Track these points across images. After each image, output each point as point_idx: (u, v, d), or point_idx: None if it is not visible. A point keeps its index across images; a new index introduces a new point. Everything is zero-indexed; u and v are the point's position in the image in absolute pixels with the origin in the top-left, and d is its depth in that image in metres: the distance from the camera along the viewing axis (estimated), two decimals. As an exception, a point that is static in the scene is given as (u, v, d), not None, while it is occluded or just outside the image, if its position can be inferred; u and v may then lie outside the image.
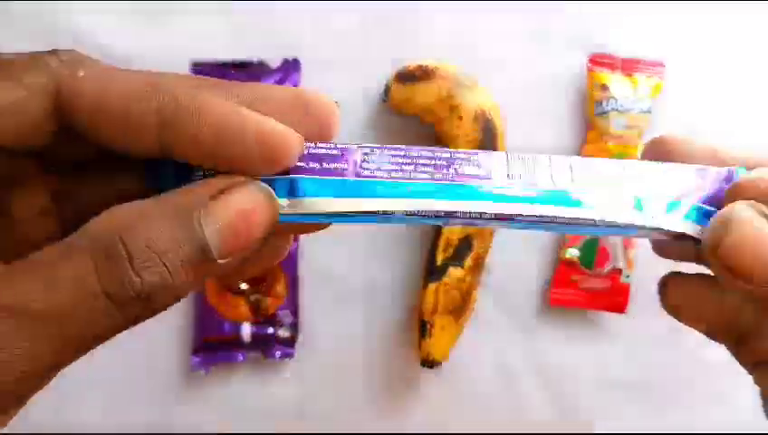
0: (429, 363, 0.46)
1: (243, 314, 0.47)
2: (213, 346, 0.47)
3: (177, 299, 0.16)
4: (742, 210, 0.18)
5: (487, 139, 0.45)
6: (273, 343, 0.47)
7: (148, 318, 0.17)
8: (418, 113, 0.46)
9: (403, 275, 0.49)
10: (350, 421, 0.49)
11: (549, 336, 0.50)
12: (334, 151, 0.20)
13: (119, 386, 0.48)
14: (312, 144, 0.20)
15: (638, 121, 0.47)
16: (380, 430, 0.49)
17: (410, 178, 0.20)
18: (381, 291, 0.49)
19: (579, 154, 0.49)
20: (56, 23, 0.46)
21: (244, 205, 0.17)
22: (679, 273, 0.22)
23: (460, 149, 0.21)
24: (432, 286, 0.45)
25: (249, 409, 0.48)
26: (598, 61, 0.48)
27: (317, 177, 0.19)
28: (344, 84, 0.48)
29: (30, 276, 0.15)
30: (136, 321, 0.16)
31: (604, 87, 0.47)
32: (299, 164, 0.19)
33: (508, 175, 0.20)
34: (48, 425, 0.47)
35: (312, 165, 0.19)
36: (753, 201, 0.18)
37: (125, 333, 0.52)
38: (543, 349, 0.50)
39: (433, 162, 0.20)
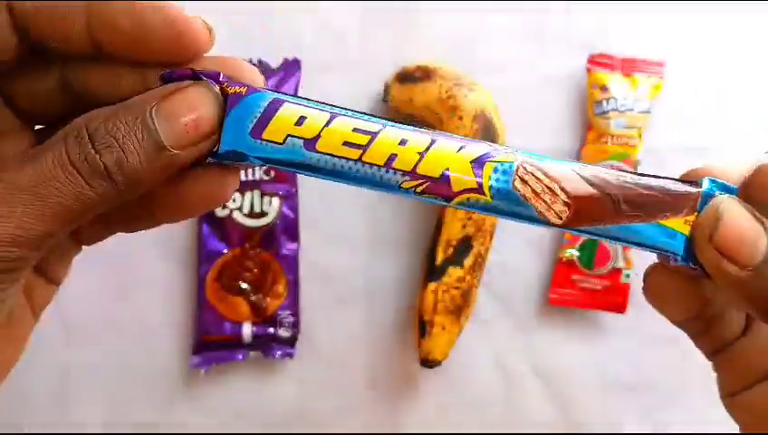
0: (429, 363, 0.46)
1: (243, 314, 0.47)
2: (213, 346, 0.47)
3: (140, 183, 0.19)
4: (729, 201, 0.21)
5: (487, 139, 0.45)
6: (274, 342, 0.48)
7: (117, 198, 0.19)
8: (418, 113, 0.46)
9: (403, 275, 0.49)
10: (349, 421, 0.49)
11: (549, 336, 0.50)
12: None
13: (119, 386, 0.48)
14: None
15: (637, 121, 0.47)
16: (380, 429, 0.49)
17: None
18: (381, 291, 0.49)
19: (579, 154, 0.49)
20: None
21: (190, 99, 0.20)
22: (661, 266, 0.24)
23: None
24: (432, 286, 0.45)
25: (249, 409, 0.48)
26: (597, 61, 0.48)
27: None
28: (344, 84, 0.48)
29: (22, 160, 0.19)
30: (106, 197, 0.19)
31: (604, 87, 0.47)
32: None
33: None
34: (48, 425, 0.47)
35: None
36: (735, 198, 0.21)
37: (125, 332, 0.52)
38: (543, 349, 0.50)
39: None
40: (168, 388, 0.48)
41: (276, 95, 0.21)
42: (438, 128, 0.46)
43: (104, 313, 0.47)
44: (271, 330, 0.47)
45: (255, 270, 0.47)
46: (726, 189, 0.21)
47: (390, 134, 0.20)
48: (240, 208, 0.47)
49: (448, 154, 0.20)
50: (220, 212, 0.47)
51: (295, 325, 0.48)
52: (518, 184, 0.20)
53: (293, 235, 0.48)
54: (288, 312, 0.48)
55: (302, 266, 0.48)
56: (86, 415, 0.47)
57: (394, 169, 0.20)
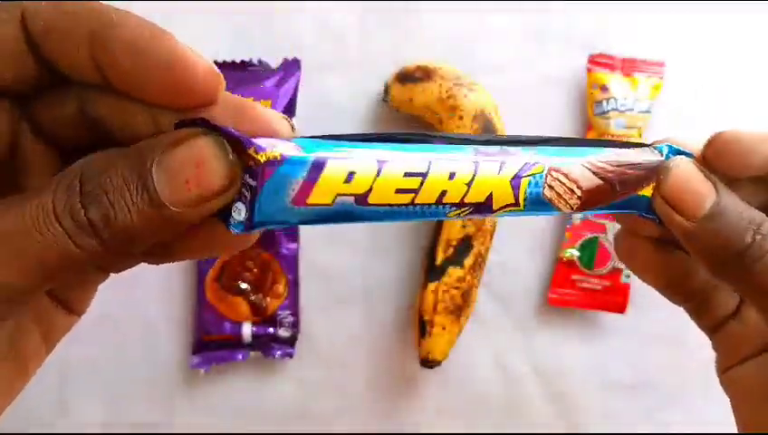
0: (429, 363, 0.46)
1: (243, 314, 0.47)
2: (213, 346, 0.47)
3: (133, 240, 0.17)
4: (681, 159, 0.23)
5: (487, 139, 0.45)
6: (273, 342, 0.48)
7: (106, 254, 0.17)
8: (418, 113, 0.46)
9: (403, 275, 0.49)
10: (349, 421, 0.49)
11: (548, 336, 0.50)
12: None
13: (119, 386, 0.48)
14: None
15: (637, 121, 0.47)
16: (380, 429, 0.49)
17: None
18: (381, 291, 0.49)
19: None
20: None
21: (195, 153, 0.17)
22: (626, 231, 0.26)
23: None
24: (432, 286, 0.45)
25: (249, 409, 0.48)
26: (597, 61, 0.48)
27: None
28: (344, 84, 0.48)
29: (8, 205, 0.17)
30: (92, 253, 0.17)
31: (604, 87, 0.47)
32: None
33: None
34: (48, 425, 0.47)
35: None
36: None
37: (125, 332, 0.52)
38: (543, 349, 0.50)
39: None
40: (167, 388, 0.48)
41: (317, 154, 0.18)
42: (438, 128, 0.46)
43: (104, 312, 0.47)
44: (271, 330, 0.47)
45: (255, 270, 0.47)
46: (682, 154, 0.23)
47: (440, 170, 0.20)
48: (240, 208, 0.47)
49: (491, 178, 0.20)
50: (220, 212, 0.47)
51: (295, 325, 0.48)
52: (547, 192, 0.21)
53: (293, 234, 0.48)
54: (288, 312, 0.48)
55: (302, 266, 0.48)
56: (86, 415, 0.47)
57: (443, 203, 0.20)
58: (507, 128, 0.46)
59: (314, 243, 0.48)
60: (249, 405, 0.48)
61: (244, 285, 0.47)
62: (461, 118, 0.45)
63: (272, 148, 0.18)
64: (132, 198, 0.17)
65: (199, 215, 0.18)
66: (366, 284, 0.49)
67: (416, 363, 0.47)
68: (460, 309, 0.46)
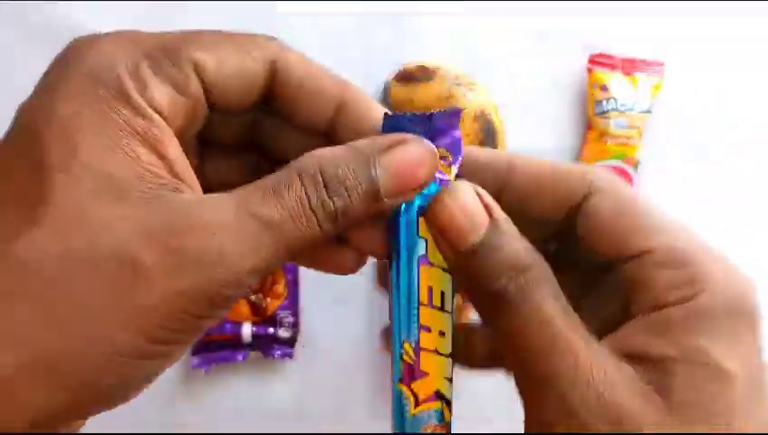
0: (429, 363, 0.46)
1: (243, 314, 0.47)
2: (213, 346, 0.47)
3: (353, 224, 0.21)
4: (461, 183, 0.22)
5: (487, 139, 0.45)
6: (273, 343, 0.48)
7: (329, 238, 0.20)
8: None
9: (403, 275, 0.49)
10: (349, 421, 0.49)
11: (549, 336, 0.50)
12: None
13: (119, 386, 0.48)
14: None
15: (637, 121, 0.47)
16: (380, 430, 0.49)
17: None
18: (381, 291, 0.49)
19: (579, 154, 0.49)
20: (56, 23, 0.46)
21: (412, 156, 0.21)
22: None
23: None
24: (432, 286, 0.45)
25: (249, 409, 0.48)
26: (598, 61, 0.48)
27: None
28: (344, 84, 0.48)
29: (265, 194, 0.20)
30: (326, 237, 0.20)
31: (604, 87, 0.47)
32: None
33: None
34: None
35: None
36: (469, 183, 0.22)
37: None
38: (543, 349, 0.50)
39: None
40: (167, 388, 0.48)
41: None
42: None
43: (104, 313, 0.47)
44: (271, 330, 0.47)
45: (255, 270, 0.47)
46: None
47: (445, 320, 0.23)
48: (240, 208, 0.47)
49: (440, 366, 0.23)
50: (220, 212, 0.47)
51: (295, 325, 0.48)
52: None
53: (293, 235, 0.48)
54: (288, 312, 0.48)
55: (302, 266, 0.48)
56: (86, 415, 0.47)
57: (420, 330, 0.22)
58: (507, 128, 0.46)
59: (314, 243, 0.48)
60: (249, 405, 0.48)
61: (244, 285, 0.47)
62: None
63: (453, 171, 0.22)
64: (361, 189, 0.20)
65: (397, 205, 0.21)
66: (366, 284, 0.49)
67: (416, 363, 0.47)
68: (460, 309, 0.46)
